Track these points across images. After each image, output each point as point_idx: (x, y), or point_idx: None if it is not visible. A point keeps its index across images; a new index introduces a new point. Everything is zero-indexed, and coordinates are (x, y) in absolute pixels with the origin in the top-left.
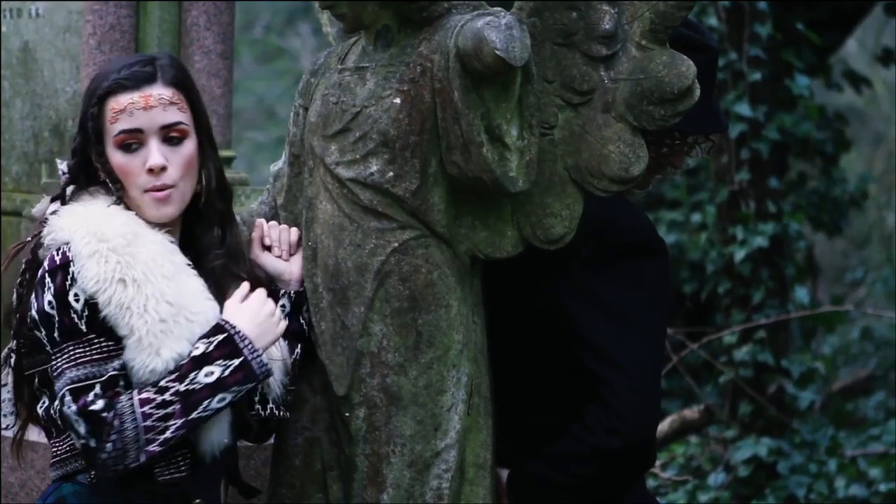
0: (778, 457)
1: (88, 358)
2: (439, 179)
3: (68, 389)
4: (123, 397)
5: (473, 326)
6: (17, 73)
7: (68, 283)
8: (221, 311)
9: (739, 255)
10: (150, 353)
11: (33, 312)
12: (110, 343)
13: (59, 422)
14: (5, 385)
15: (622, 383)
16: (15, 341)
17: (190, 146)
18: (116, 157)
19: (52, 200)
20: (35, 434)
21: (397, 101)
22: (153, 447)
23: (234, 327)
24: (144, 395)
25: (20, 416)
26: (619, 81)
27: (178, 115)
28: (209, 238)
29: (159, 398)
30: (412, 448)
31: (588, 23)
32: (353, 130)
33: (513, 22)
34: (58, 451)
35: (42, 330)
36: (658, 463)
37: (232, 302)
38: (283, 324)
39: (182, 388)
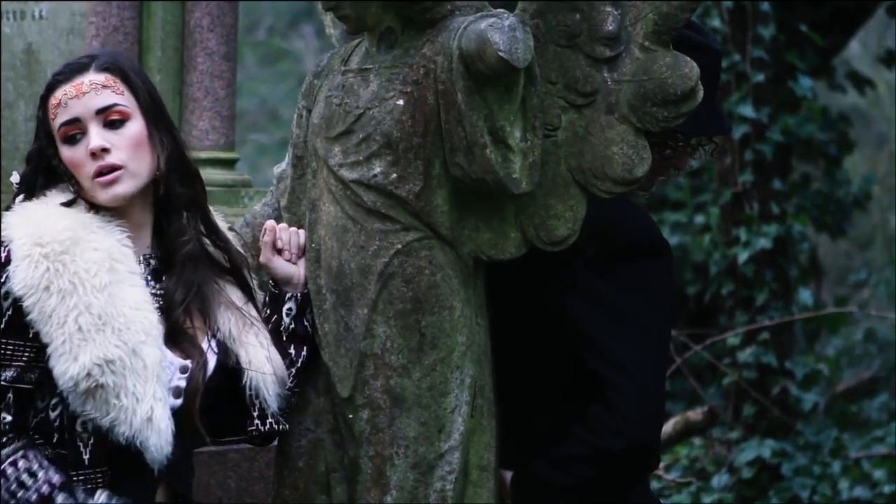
0: (781, 458)
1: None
2: (443, 181)
3: None
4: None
5: (477, 328)
6: (21, 75)
7: (2, 280)
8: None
9: (743, 256)
10: (67, 359)
11: None
12: (15, 349)
13: None
14: None
15: (626, 385)
16: None
17: (134, 127)
18: (65, 153)
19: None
20: None
21: (401, 102)
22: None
23: None
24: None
25: None
26: (623, 83)
27: (113, 97)
28: (177, 227)
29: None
30: (416, 450)
31: (591, 24)
32: (356, 132)
33: (516, 24)
34: None
35: None
36: (662, 464)
37: None
38: None
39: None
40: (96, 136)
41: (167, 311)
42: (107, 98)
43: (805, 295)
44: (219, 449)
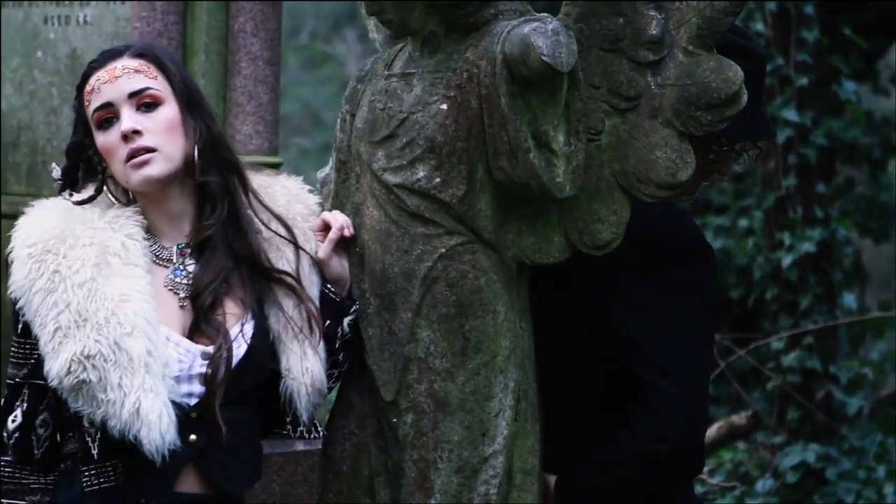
0: (826, 463)
1: (12, 359)
2: (486, 185)
3: None
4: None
5: (521, 332)
6: (66, 80)
7: (9, 283)
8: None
9: (787, 260)
10: (51, 357)
11: None
12: (27, 348)
13: None
14: None
15: (670, 389)
16: None
17: (167, 111)
18: (99, 139)
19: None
20: None
21: (444, 106)
22: None
23: None
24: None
25: None
26: (666, 87)
27: (146, 81)
28: (208, 214)
29: None
30: (459, 454)
31: (635, 28)
32: (399, 136)
33: (559, 28)
34: None
35: None
36: (706, 469)
37: None
38: None
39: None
40: (128, 118)
41: (194, 297)
42: (139, 82)
43: (849, 299)
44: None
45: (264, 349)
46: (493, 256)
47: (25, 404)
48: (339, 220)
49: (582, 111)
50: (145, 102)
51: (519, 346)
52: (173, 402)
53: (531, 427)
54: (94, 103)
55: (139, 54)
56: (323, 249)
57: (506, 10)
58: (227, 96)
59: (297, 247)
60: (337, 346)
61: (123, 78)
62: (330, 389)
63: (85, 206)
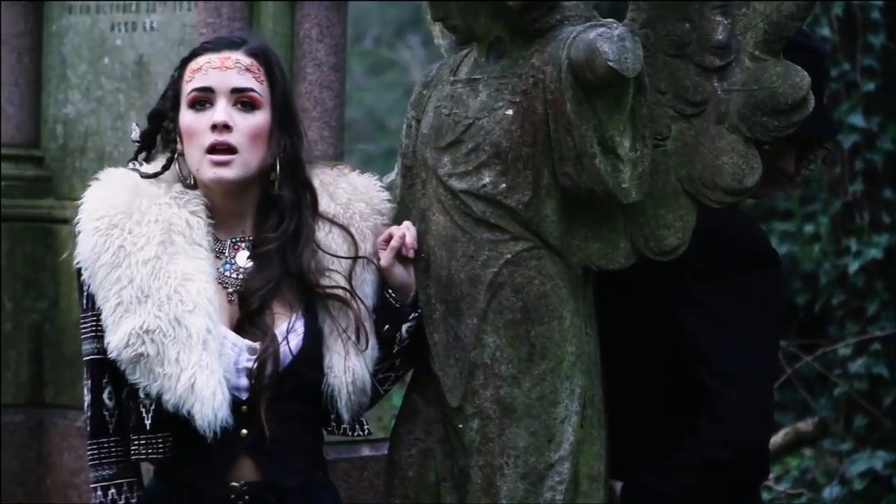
0: (893, 470)
1: (83, 335)
2: (552, 191)
3: None
4: None
5: (586, 338)
6: (132, 87)
7: (75, 254)
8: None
9: (853, 266)
10: (112, 330)
11: None
12: (92, 321)
13: None
14: None
15: (733, 396)
16: None
17: (261, 117)
18: (186, 117)
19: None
20: None
21: (510, 112)
22: None
23: None
24: None
25: None
26: (733, 92)
27: (253, 82)
28: (273, 224)
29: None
30: (526, 460)
31: (701, 34)
32: (465, 142)
33: (625, 33)
34: None
35: None
36: (772, 476)
37: None
38: None
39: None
40: (223, 110)
41: (242, 298)
42: (246, 80)
43: None
44: (328, 458)
45: (313, 348)
46: (559, 262)
47: (91, 380)
48: (400, 230)
49: (648, 116)
50: (243, 101)
51: (585, 351)
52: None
53: (597, 433)
54: (195, 82)
55: (254, 53)
56: (385, 258)
57: (571, 15)
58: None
59: (354, 249)
60: (395, 351)
61: (234, 71)
62: (385, 392)
63: (151, 180)
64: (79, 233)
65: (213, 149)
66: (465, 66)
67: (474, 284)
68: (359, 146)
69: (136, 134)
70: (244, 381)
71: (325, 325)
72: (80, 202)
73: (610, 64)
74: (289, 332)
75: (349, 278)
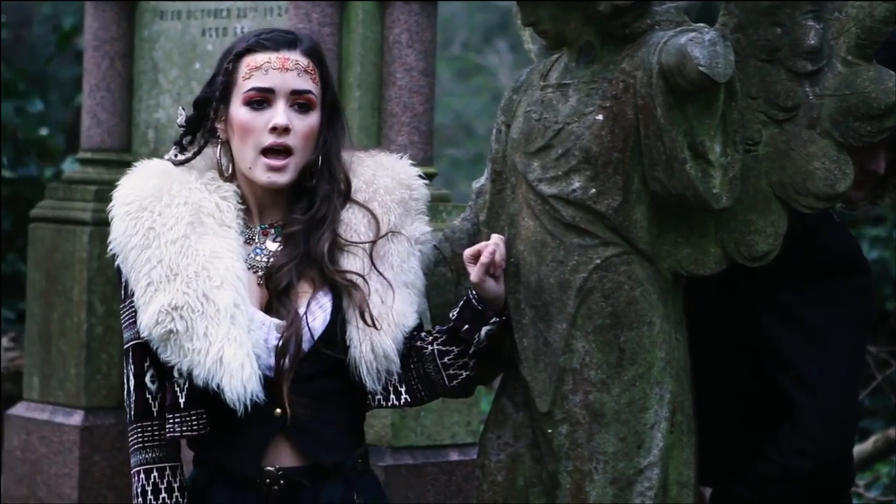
0: None
1: (123, 323)
2: (642, 196)
3: None
4: None
5: (676, 344)
6: None
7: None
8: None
9: None
10: (143, 310)
11: None
12: (130, 307)
13: None
14: None
15: (813, 405)
16: None
17: (314, 118)
18: (241, 113)
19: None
20: None
21: (600, 117)
22: None
23: None
24: None
25: None
26: (825, 97)
27: (310, 84)
28: (302, 208)
29: None
30: (615, 465)
31: (793, 38)
32: (555, 147)
33: (717, 38)
34: None
35: None
36: (862, 483)
37: None
38: None
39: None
40: (283, 113)
41: (268, 276)
42: (305, 83)
43: None
44: (416, 462)
45: (337, 325)
46: (649, 267)
47: (133, 365)
48: (489, 247)
49: (739, 122)
50: (300, 103)
51: (674, 357)
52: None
53: (687, 439)
54: (255, 81)
55: (309, 53)
56: (475, 274)
57: (662, 20)
58: (382, 107)
59: (376, 224)
60: (471, 351)
61: (293, 73)
62: (454, 388)
63: (183, 167)
64: (112, 219)
65: (269, 150)
66: (556, 70)
67: (564, 289)
68: (446, 151)
69: (182, 119)
70: (273, 360)
71: (345, 301)
72: (114, 191)
73: (701, 69)
74: (314, 310)
75: (370, 254)
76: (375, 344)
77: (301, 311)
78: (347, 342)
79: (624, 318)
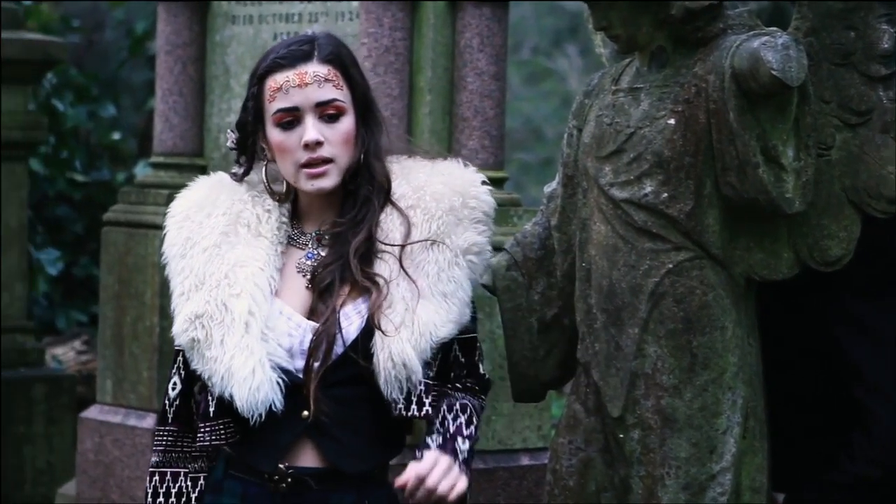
0: None
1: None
2: (714, 200)
3: None
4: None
5: (749, 349)
6: None
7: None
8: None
9: None
10: (176, 319)
11: None
12: None
13: None
14: None
15: (882, 412)
16: None
17: (347, 122)
18: (275, 135)
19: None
20: None
21: (672, 121)
22: None
23: None
24: None
25: None
26: None
27: (333, 92)
28: (344, 210)
29: None
30: (687, 470)
31: (867, 42)
32: (627, 151)
33: (789, 42)
34: None
35: None
36: None
37: None
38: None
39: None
40: (312, 128)
41: (313, 276)
42: (327, 92)
43: None
44: (487, 466)
45: (369, 331)
46: (721, 272)
47: (183, 371)
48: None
49: (812, 126)
50: (329, 113)
51: (747, 362)
52: (286, 373)
53: (759, 444)
54: (279, 103)
55: (328, 59)
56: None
57: (735, 24)
58: (453, 111)
59: (407, 227)
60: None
61: (313, 86)
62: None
63: (231, 181)
64: (165, 231)
65: (308, 164)
66: (627, 75)
67: (635, 294)
68: (516, 155)
69: (231, 141)
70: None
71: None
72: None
73: (774, 73)
74: (350, 314)
75: (399, 258)
76: (395, 352)
77: (342, 314)
78: (371, 349)
79: (696, 323)
